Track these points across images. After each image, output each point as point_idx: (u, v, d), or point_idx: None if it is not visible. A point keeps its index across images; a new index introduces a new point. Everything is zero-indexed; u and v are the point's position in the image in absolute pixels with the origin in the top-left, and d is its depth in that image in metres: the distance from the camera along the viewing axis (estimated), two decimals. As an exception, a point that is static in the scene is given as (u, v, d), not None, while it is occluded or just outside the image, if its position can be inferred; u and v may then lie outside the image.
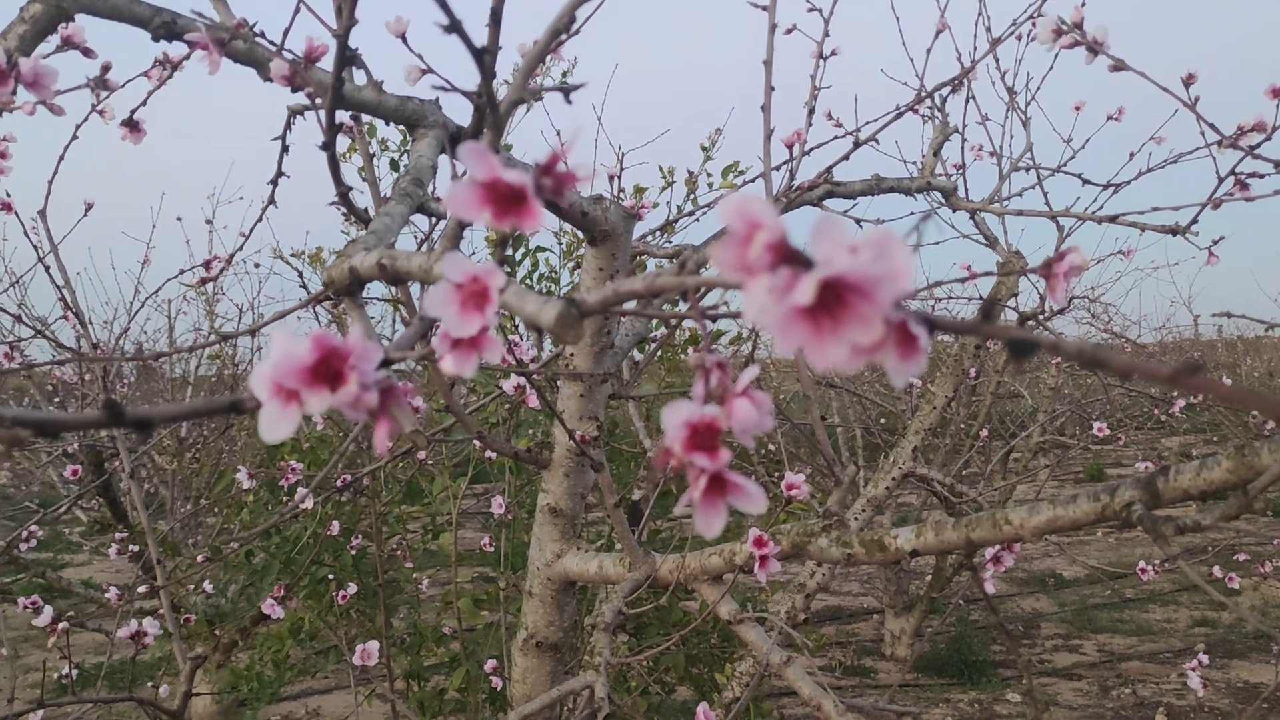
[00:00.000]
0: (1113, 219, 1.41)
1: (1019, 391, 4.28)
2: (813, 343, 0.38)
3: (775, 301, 0.38)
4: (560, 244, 3.58)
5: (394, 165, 3.16)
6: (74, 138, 1.71)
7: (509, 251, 3.32)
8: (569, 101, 0.78)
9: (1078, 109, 2.58)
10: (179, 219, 5.31)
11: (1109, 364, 0.40)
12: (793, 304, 0.37)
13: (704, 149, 2.95)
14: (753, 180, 2.16)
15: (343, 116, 1.43)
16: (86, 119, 1.69)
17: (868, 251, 0.37)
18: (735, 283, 0.66)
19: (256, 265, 5.98)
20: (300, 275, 3.83)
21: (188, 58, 1.24)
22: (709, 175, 2.95)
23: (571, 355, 1.58)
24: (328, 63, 1.01)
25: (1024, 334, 0.41)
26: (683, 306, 1.10)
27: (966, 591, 4.91)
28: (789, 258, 0.38)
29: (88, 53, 1.10)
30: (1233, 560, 3.34)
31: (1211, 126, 1.33)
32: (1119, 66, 1.23)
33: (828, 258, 0.37)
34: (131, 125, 1.27)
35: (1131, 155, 2.10)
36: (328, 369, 0.47)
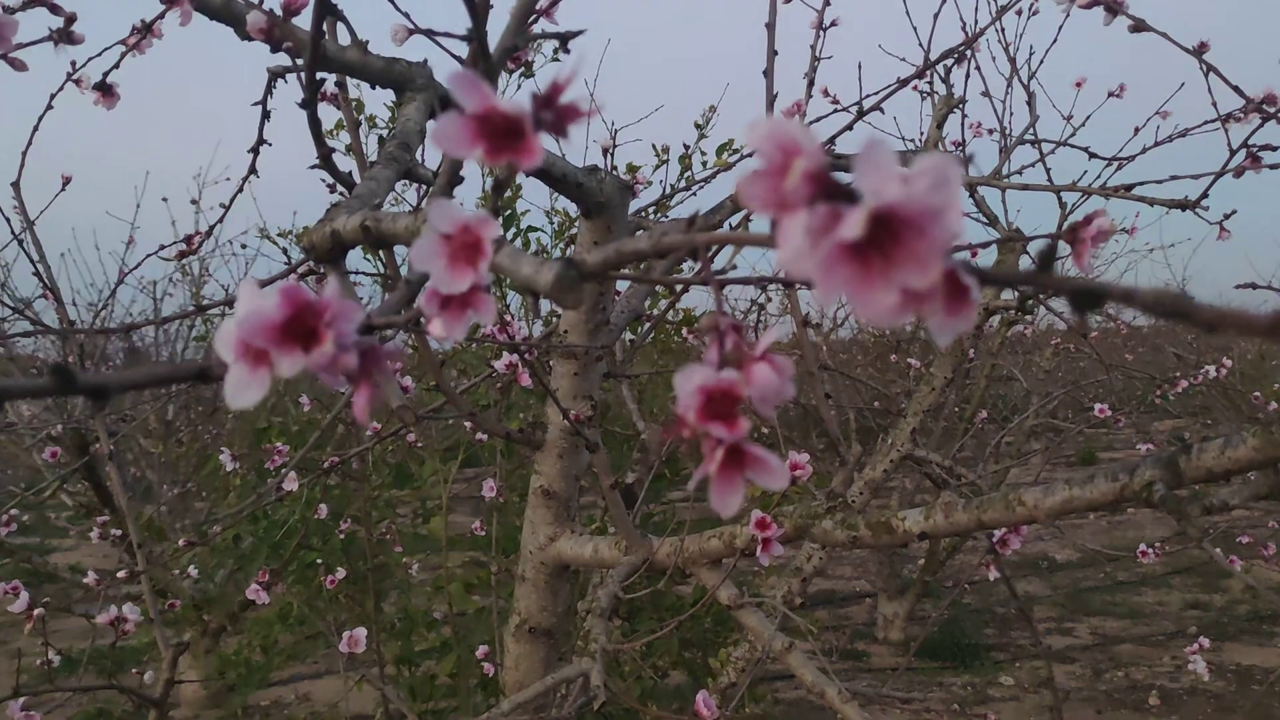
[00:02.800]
0: (1128, 188, 1.36)
1: (1013, 374, 4.24)
2: (859, 287, 0.33)
3: (814, 241, 0.33)
4: (552, 223, 3.52)
5: (382, 142, 3.10)
6: (49, 107, 1.65)
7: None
8: (567, 50, 0.73)
9: (1079, 85, 2.53)
10: (164, 199, 5.24)
11: (1195, 315, 0.35)
12: (838, 241, 0.32)
13: (698, 126, 2.90)
14: (750, 154, 2.10)
15: (327, 86, 1.37)
16: (62, 88, 1.63)
17: (923, 181, 0.32)
18: (751, 239, 0.61)
19: (243, 246, 5.91)
20: (286, 254, 3.77)
21: (162, 17, 1.18)
22: (703, 154, 2.90)
23: (565, 333, 1.52)
24: (309, 20, 0.96)
25: (1091, 283, 0.36)
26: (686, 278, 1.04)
27: (967, 575, 4.89)
28: (830, 191, 0.33)
29: (55, 9, 1.05)
30: (1236, 543, 3.33)
31: (1236, 90, 1.29)
32: (1139, 27, 1.18)
33: (876, 188, 0.32)
34: (104, 89, 1.22)
35: (1137, 130, 2.05)
36: (301, 327, 0.42)
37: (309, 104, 0.84)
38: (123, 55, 1.23)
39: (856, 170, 0.33)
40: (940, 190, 0.32)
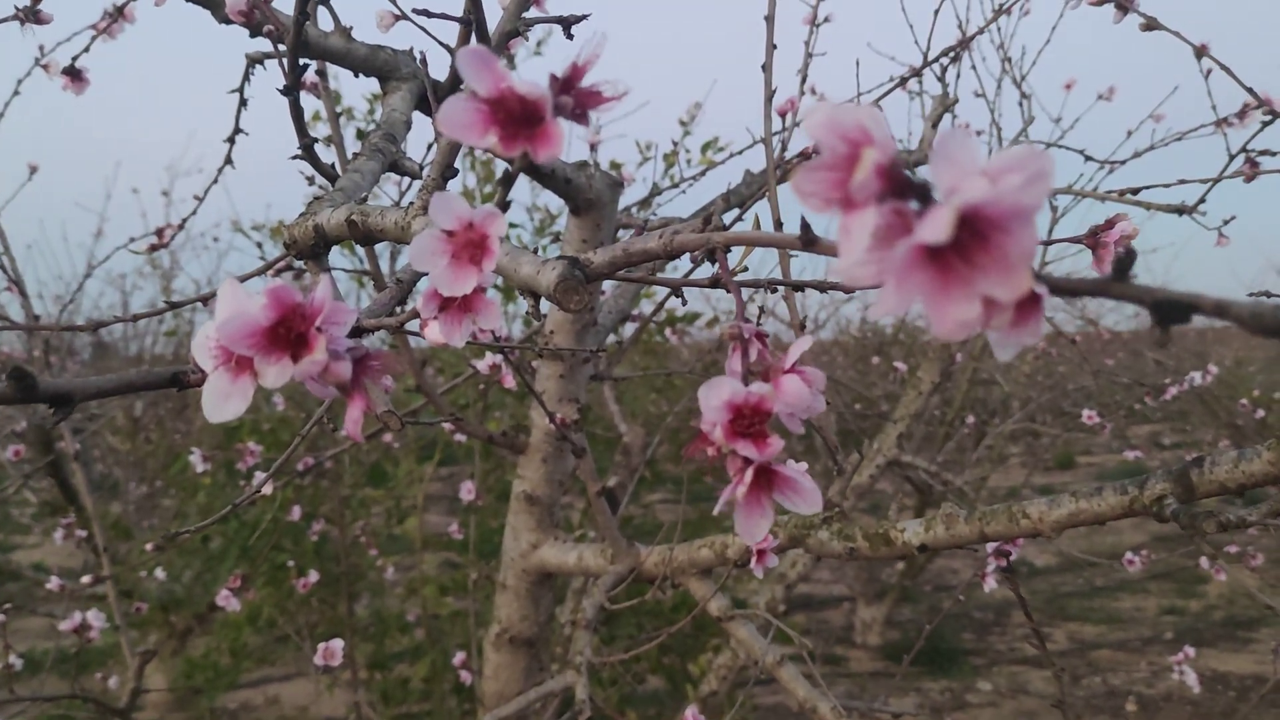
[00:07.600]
0: (1135, 191, 1.33)
1: (994, 378, 4.23)
2: (936, 296, 0.28)
3: (883, 244, 0.29)
4: (532, 220, 3.47)
5: (360, 135, 3.04)
6: (15, 93, 1.60)
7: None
8: (569, 36, 0.69)
9: (1068, 87, 2.51)
10: (135, 191, 5.16)
11: (1297, 330, 0.31)
12: (916, 244, 0.27)
13: (682, 123, 2.86)
14: (740, 152, 2.08)
15: (307, 74, 1.32)
16: (29, 74, 1.57)
17: (1014, 177, 0.27)
18: (773, 240, 0.56)
19: (215, 239, 5.81)
20: (260, 248, 3.69)
21: (135, -1, 1.13)
22: (688, 151, 2.85)
23: (551, 333, 1.48)
24: (290, 4, 0.91)
25: (1177, 294, 0.32)
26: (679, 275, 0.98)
27: (955, 583, 4.87)
28: (902, 187, 0.29)
29: (21, -12, 0.99)
30: (1223, 552, 3.32)
31: (1250, 91, 1.26)
32: (1151, 25, 1.15)
33: (956, 184, 0.28)
34: (74, 74, 1.16)
35: (1129, 133, 2.03)
36: (289, 331, 0.37)
37: (291, 90, 0.79)
38: (92, 39, 1.18)
39: (933, 164, 0.29)
40: (1033, 187, 0.28)
